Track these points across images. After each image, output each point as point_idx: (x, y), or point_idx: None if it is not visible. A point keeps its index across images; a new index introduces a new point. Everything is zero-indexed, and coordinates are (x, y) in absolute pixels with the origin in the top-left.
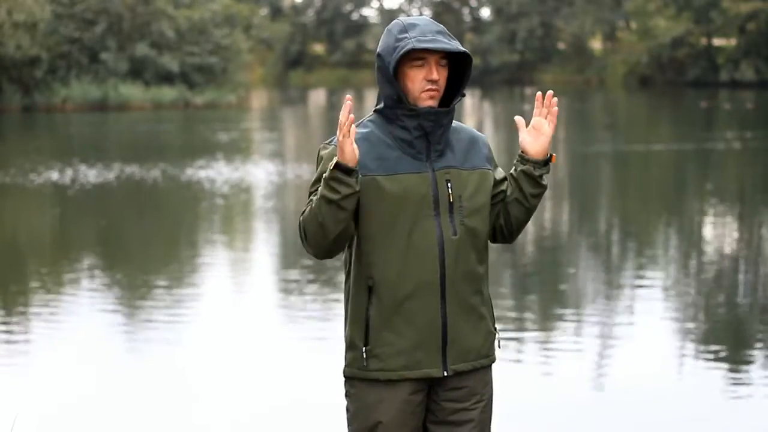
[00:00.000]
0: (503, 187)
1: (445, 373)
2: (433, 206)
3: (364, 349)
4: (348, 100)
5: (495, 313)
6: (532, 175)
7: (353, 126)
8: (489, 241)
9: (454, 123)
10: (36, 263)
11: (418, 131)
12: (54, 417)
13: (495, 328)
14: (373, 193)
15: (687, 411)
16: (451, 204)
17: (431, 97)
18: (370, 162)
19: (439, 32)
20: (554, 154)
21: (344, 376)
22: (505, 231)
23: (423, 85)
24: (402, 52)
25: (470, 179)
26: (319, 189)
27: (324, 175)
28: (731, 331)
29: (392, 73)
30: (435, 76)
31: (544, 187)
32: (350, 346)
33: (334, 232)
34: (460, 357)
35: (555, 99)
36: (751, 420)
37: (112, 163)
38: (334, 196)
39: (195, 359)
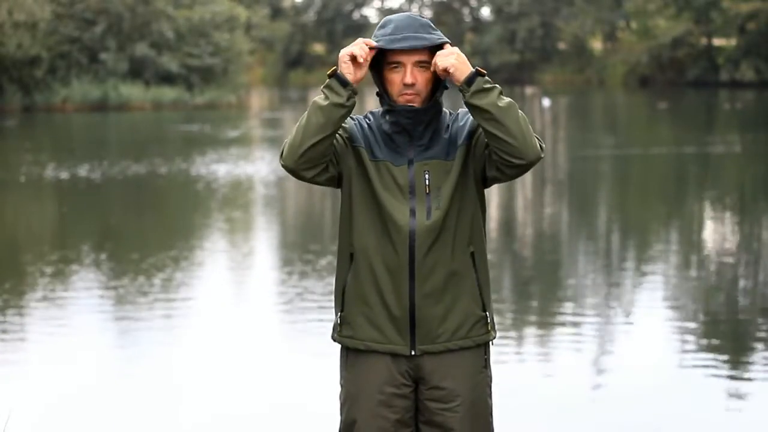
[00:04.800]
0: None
1: (413, 353)
2: (409, 194)
3: (339, 314)
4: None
5: (493, 306)
6: (466, 104)
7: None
8: (510, 172)
9: (460, 111)
10: (35, 260)
11: (396, 127)
12: (48, 414)
13: (486, 311)
14: (359, 164)
15: (686, 409)
16: (428, 194)
17: (408, 102)
18: (362, 140)
19: (417, 26)
20: (479, 68)
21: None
22: (503, 155)
23: (401, 89)
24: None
25: (452, 168)
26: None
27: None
28: (731, 331)
29: (373, 71)
30: (409, 80)
31: (486, 110)
32: (335, 311)
33: (310, 138)
34: (429, 338)
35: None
36: (751, 419)
37: (116, 161)
38: (324, 102)
39: (192, 360)
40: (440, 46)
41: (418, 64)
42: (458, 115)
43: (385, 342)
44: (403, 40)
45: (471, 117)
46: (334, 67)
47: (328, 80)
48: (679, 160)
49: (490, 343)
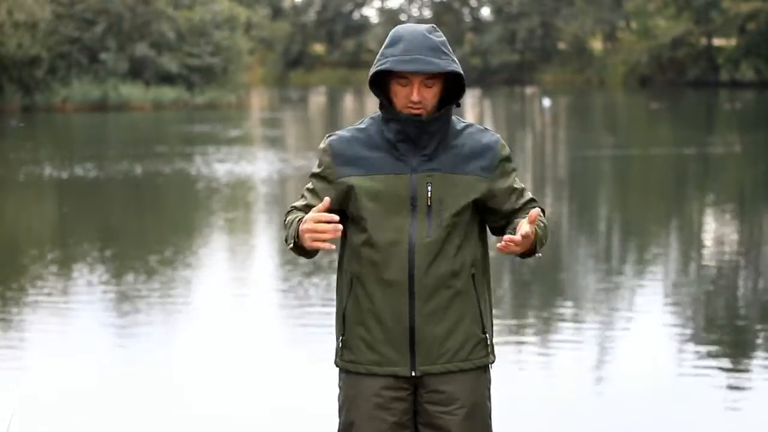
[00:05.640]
0: (504, 206)
1: (413, 373)
2: (410, 208)
3: (340, 339)
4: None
5: (494, 317)
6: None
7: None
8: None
9: (474, 127)
10: (35, 260)
11: (401, 135)
12: (51, 416)
13: (485, 333)
14: (352, 192)
15: (686, 411)
16: (429, 207)
17: (414, 114)
18: (352, 162)
19: (426, 49)
20: (539, 254)
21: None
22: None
23: (405, 102)
24: (377, 69)
25: (459, 184)
26: (291, 229)
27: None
28: (730, 332)
29: (377, 81)
30: (416, 97)
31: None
32: (336, 336)
33: (299, 256)
34: (430, 358)
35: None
36: (751, 420)
37: (116, 161)
38: (297, 254)
39: (192, 361)
40: (452, 73)
41: (425, 82)
42: (483, 133)
43: (384, 364)
44: (411, 62)
45: (501, 153)
46: (293, 239)
47: (288, 247)
48: (679, 160)
49: (489, 366)
